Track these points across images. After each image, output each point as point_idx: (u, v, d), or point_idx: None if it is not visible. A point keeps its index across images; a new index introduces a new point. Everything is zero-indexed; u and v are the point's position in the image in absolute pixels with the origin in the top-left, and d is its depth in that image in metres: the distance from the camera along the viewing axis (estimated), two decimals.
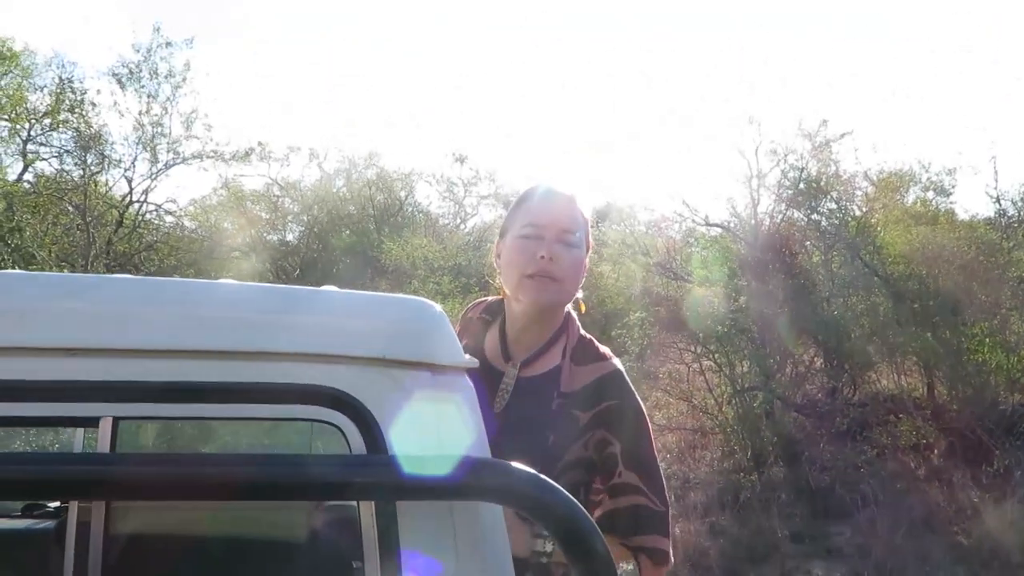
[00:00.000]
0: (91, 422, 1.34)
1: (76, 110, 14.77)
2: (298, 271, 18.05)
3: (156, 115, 15.69)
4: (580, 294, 2.14)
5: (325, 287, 1.54)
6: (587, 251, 2.14)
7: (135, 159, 15.78)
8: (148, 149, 15.73)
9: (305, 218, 20.37)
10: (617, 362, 2.08)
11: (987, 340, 9.57)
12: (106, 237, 14.90)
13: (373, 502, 1.38)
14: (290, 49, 41.19)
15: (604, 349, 2.10)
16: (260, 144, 18.08)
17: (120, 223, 15.29)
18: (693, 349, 11.56)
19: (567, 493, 1.34)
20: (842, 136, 11.78)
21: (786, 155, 11.88)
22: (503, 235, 2.14)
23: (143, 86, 15.54)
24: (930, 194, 13.66)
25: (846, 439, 9.63)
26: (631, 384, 2.06)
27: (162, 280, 1.50)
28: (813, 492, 9.03)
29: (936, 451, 9.55)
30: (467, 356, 1.52)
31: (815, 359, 11.67)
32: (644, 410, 2.06)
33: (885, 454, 9.31)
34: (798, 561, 7.62)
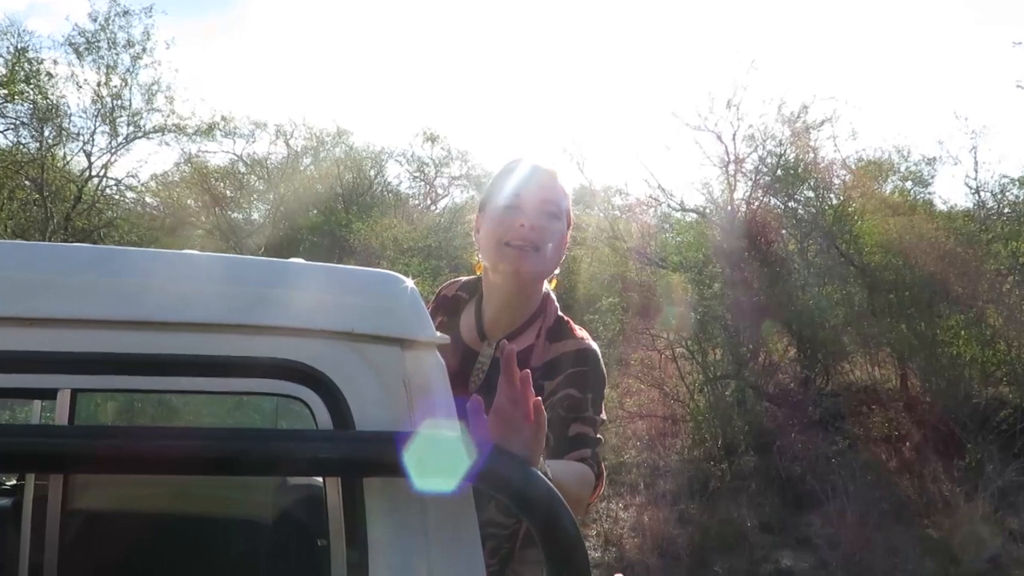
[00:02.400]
0: (49, 394, 1.33)
1: (32, 81, 14.51)
2: (263, 250, 17.92)
3: (115, 87, 15.51)
4: (556, 270, 2.14)
5: (292, 260, 1.54)
6: (568, 226, 2.14)
7: (94, 132, 15.59)
8: (107, 122, 15.53)
9: (271, 196, 20.22)
10: (593, 343, 2.09)
11: (962, 333, 9.70)
12: (64, 213, 14.70)
13: (340, 479, 1.39)
14: (255, 21, 40.77)
15: (581, 331, 2.11)
16: (224, 119, 17.90)
17: (79, 198, 15.09)
18: (666, 336, 11.62)
19: (535, 470, 1.36)
20: (822, 122, 11.86)
21: (764, 140, 11.95)
22: (483, 208, 2.13)
23: (101, 56, 15.33)
24: (908, 184, 13.84)
25: (818, 429, 9.74)
26: (603, 368, 2.07)
27: (123, 249, 1.48)
28: (784, 482, 9.13)
29: (908, 443, 9.69)
30: (438, 333, 1.53)
31: (789, 348, 11.77)
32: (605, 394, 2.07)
33: (857, 445, 9.44)
34: (767, 551, 7.71)
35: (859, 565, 7.03)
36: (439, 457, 1.32)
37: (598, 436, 1.99)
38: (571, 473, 1.78)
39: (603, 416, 2.01)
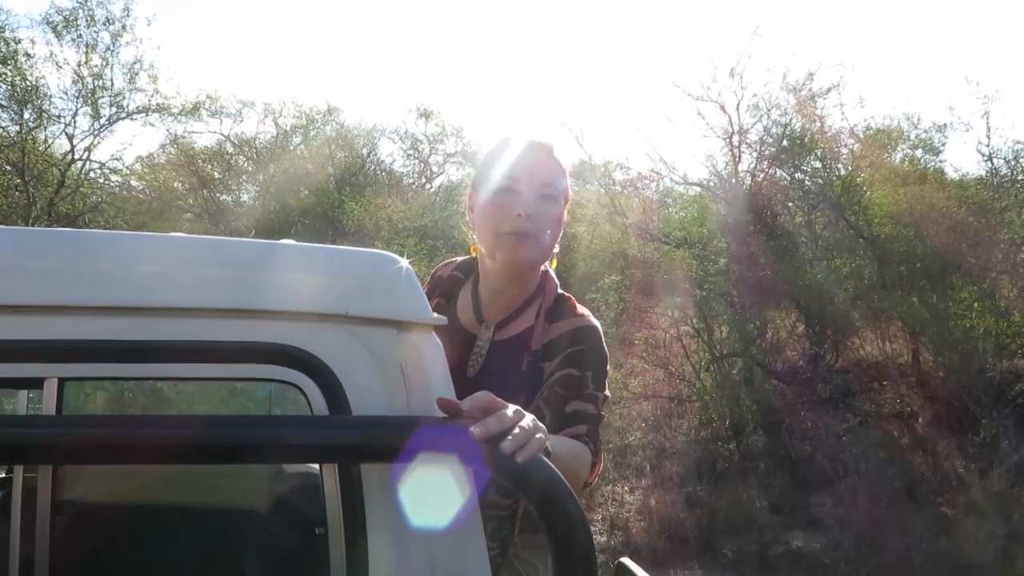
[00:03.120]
0: (35, 383, 1.33)
1: (10, 62, 14.45)
2: (253, 233, 17.88)
3: (96, 66, 15.43)
4: (556, 248, 2.13)
5: (283, 241, 1.54)
6: (565, 203, 2.13)
7: (75, 114, 15.52)
8: (89, 103, 15.47)
9: (260, 177, 20.15)
10: (593, 320, 2.08)
11: (975, 305, 9.70)
12: (47, 198, 14.67)
13: (336, 465, 1.39)
14: None
15: (581, 309, 2.10)
16: (210, 98, 17.83)
17: (62, 183, 15.05)
18: (670, 314, 11.63)
19: (542, 456, 1.36)
20: (828, 90, 11.82)
21: (769, 110, 11.91)
22: (476, 188, 2.11)
23: (80, 35, 15.25)
24: (919, 152, 13.79)
25: (828, 407, 9.77)
26: (604, 344, 2.07)
27: (109, 234, 1.48)
28: (793, 462, 9.17)
29: (921, 419, 9.72)
30: (435, 313, 1.52)
31: (797, 324, 11.79)
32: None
33: (868, 422, 9.47)
34: (777, 532, 7.75)
35: (871, 545, 7.06)
36: (436, 442, 1.33)
37: (600, 413, 1.98)
38: (565, 450, 1.76)
39: (606, 393, 2.00)
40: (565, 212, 2.12)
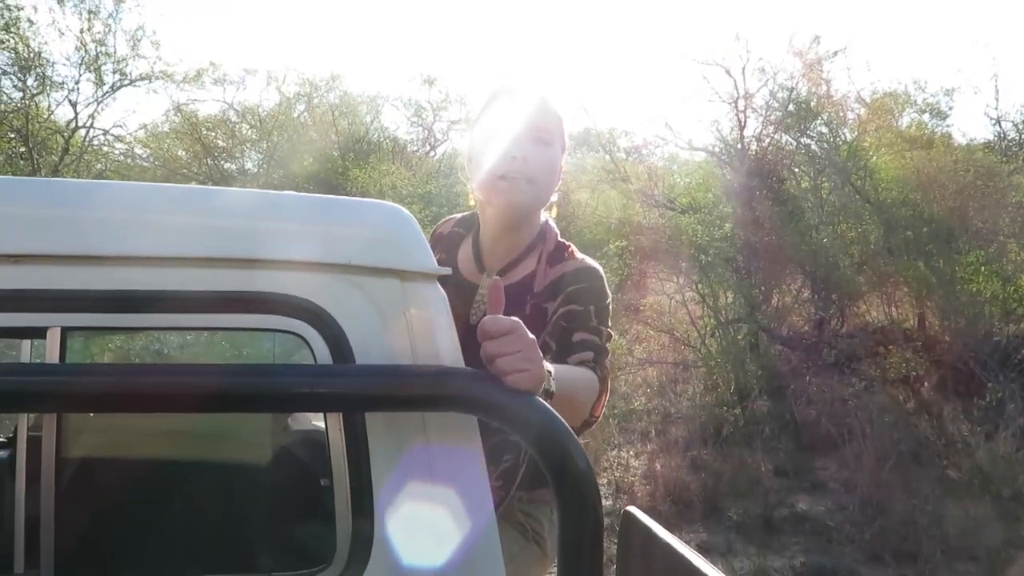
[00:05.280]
0: (38, 333, 1.33)
1: (12, 29, 14.36)
2: None
3: (99, 33, 15.31)
4: (554, 197, 2.13)
5: (287, 192, 1.53)
6: (563, 152, 2.12)
7: (78, 81, 15.43)
8: (92, 70, 15.37)
9: (264, 145, 20.06)
10: (595, 263, 2.09)
11: (982, 269, 9.65)
12: (52, 165, 14.64)
13: (341, 415, 1.39)
14: None
15: (580, 255, 2.10)
16: (213, 65, 17.73)
17: (66, 150, 15.01)
18: (675, 280, 11.62)
19: (544, 402, 1.36)
20: (835, 54, 11.71)
21: (775, 74, 11.81)
22: (473, 137, 2.11)
23: (83, 1, 15.14)
24: (926, 116, 13.71)
25: (833, 372, 9.76)
26: (607, 284, 2.07)
27: (112, 183, 1.47)
28: (798, 426, 9.18)
29: (926, 384, 9.73)
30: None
31: (802, 290, 11.77)
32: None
33: (873, 387, 9.46)
34: (782, 495, 7.78)
35: (876, 508, 7.09)
36: (440, 391, 1.32)
37: (605, 345, 1.98)
38: (571, 377, 1.75)
39: (610, 330, 2.01)
40: (563, 160, 2.11)
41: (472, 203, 2.19)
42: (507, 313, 1.97)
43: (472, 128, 2.13)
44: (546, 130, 2.03)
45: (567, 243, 2.12)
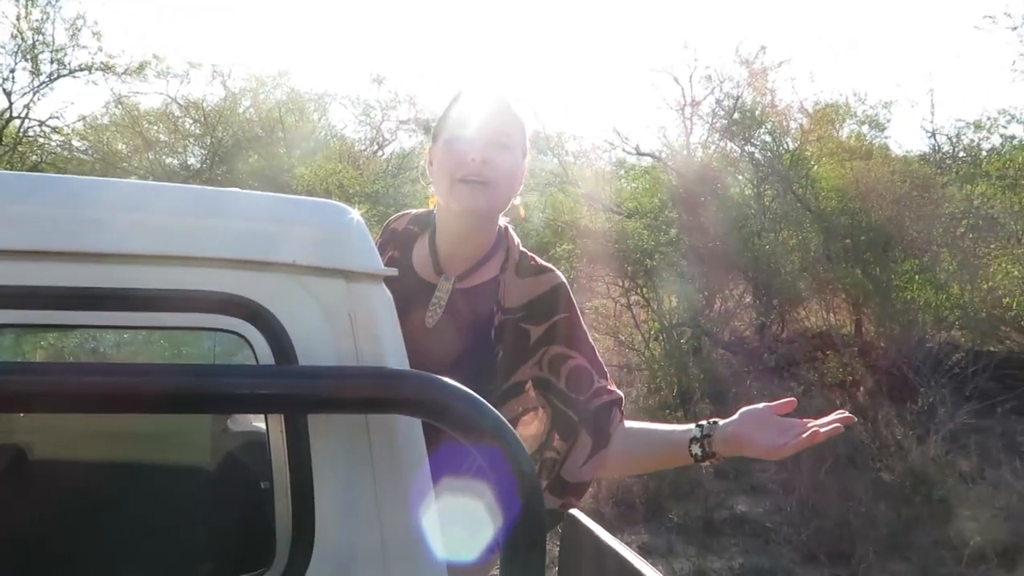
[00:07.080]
0: None
1: None
2: None
3: (36, 20, 14.96)
4: (518, 200, 2.13)
5: (230, 189, 1.50)
6: (524, 156, 2.12)
7: (13, 70, 15.06)
8: (29, 59, 15.02)
9: (208, 140, 19.74)
10: (560, 275, 2.12)
11: (916, 277, 9.89)
12: None
13: (282, 417, 1.36)
14: None
15: (543, 262, 2.12)
16: (156, 57, 17.40)
17: None
18: (621, 283, 11.69)
19: (489, 405, 1.34)
20: (780, 64, 11.92)
21: (722, 82, 11.98)
22: (435, 139, 2.10)
23: None
24: (865, 128, 13.98)
25: (773, 376, 9.91)
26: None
27: (53, 177, 1.43)
28: None
29: (862, 388, 9.90)
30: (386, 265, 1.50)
31: (744, 295, 11.93)
32: None
33: (812, 391, 9.61)
34: (721, 497, 7.87)
35: (813, 509, 7.20)
36: (384, 393, 1.31)
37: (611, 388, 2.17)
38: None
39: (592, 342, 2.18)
40: (524, 165, 2.11)
41: (432, 206, 2.18)
42: (473, 318, 1.99)
43: (434, 131, 2.11)
44: (507, 134, 2.03)
45: (528, 252, 2.12)
